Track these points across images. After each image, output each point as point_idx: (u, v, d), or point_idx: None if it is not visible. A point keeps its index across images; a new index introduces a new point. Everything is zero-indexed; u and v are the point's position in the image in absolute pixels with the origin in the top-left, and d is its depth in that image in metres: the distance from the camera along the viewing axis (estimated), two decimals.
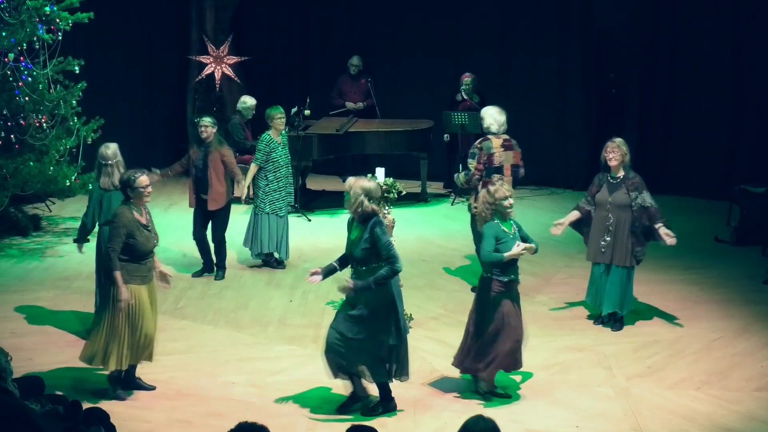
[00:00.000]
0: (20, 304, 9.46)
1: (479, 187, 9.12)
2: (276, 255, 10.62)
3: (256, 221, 10.38)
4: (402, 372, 7.10)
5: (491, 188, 7.40)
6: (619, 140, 8.66)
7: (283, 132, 10.69)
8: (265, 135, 10.53)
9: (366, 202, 6.89)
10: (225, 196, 10.03)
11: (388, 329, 6.98)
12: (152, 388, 7.53)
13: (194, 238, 10.22)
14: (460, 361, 7.48)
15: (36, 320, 9.06)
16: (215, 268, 10.25)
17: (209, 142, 9.93)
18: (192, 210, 10.22)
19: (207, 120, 10.04)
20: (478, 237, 9.06)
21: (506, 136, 9.50)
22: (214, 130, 9.99)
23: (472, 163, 9.43)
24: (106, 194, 8.38)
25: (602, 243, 8.60)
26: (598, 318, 8.92)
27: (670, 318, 9.09)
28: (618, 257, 8.57)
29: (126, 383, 7.48)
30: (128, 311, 7.22)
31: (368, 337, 6.95)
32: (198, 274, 10.23)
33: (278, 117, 10.54)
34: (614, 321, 8.80)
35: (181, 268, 10.44)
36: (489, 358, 7.28)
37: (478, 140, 9.56)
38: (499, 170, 9.33)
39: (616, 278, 8.62)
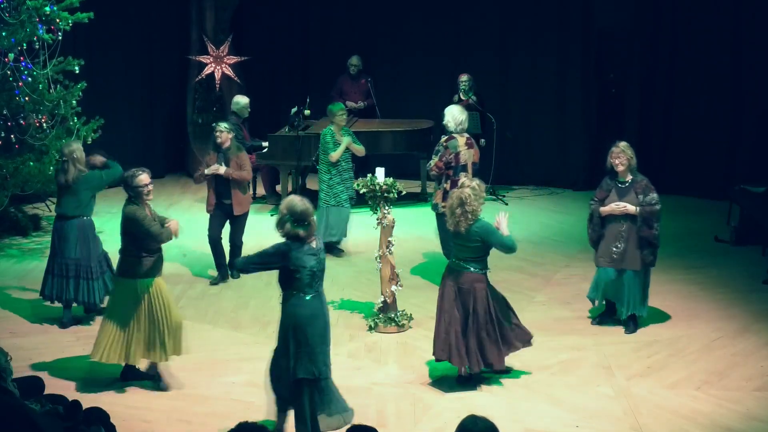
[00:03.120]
0: (20, 304, 9.47)
1: (446, 185, 9.48)
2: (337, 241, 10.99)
3: (323, 214, 10.63)
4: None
5: (474, 183, 7.57)
6: (623, 144, 8.58)
7: (345, 128, 11.00)
8: (327, 129, 10.86)
9: (288, 226, 6.42)
10: (249, 200, 10.25)
11: (286, 354, 6.52)
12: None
13: (210, 239, 10.12)
14: (483, 362, 7.59)
15: (36, 320, 9.06)
16: (229, 270, 10.21)
17: (227, 148, 9.94)
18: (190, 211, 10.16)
19: (222, 125, 10.06)
20: (447, 235, 9.34)
21: (467, 135, 9.76)
22: (230, 136, 9.99)
23: (434, 160, 9.64)
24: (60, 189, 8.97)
25: (614, 249, 8.51)
26: (601, 317, 8.89)
27: (670, 318, 9.08)
28: (631, 263, 8.49)
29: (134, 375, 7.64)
30: (161, 304, 7.40)
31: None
32: (215, 282, 10.12)
33: (340, 113, 10.88)
34: (631, 323, 8.69)
35: (181, 267, 10.45)
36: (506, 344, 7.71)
37: (444, 138, 9.72)
38: (464, 168, 9.60)
39: (634, 281, 8.53)
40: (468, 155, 9.66)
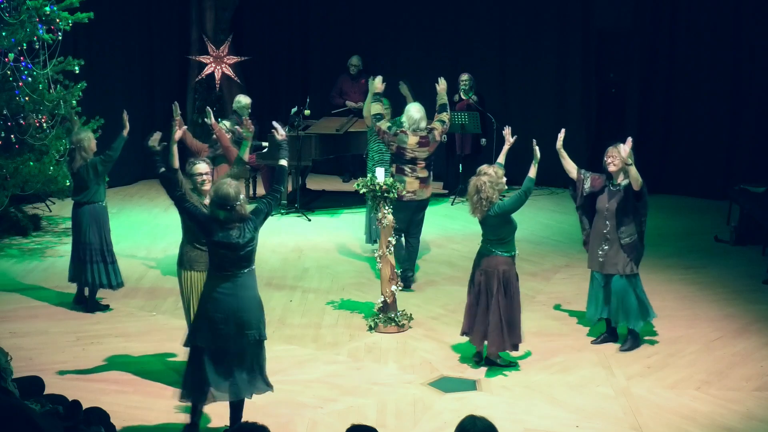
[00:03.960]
0: (20, 304, 9.47)
1: (393, 169, 9.71)
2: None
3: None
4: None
5: (490, 171, 7.84)
6: (621, 146, 8.20)
7: (396, 119, 10.94)
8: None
9: (211, 208, 6.45)
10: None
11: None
12: None
13: None
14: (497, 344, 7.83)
15: (36, 320, 9.06)
16: None
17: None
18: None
19: (222, 123, 9.84)
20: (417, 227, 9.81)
21: (423, 133, 9.75)
22: (228, 137, 9.55)
23: (384, 126, 9.77)
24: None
25: (599, 252, 8.21)
26: (599, 337, 8.48)
27: (670, 318, 9.08)
28: (617, 266, 8.15)
29: None
30: (190, 296, 7.43)
31: None
32: None
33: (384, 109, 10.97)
34: (630, 338, 8.29)
35: None
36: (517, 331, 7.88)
37: (401, 129, 9.79)
38: (412, 161, 9.70)
39: (621, 288, 8.15)
40: (420, 153, 9.71)
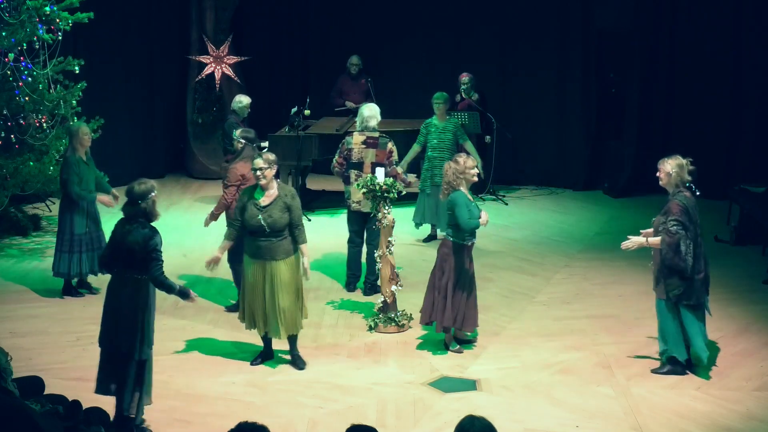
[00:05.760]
0: (20, 304, 9.47)
1: (352, 179, 9.44)
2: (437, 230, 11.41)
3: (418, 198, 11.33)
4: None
5: (460, 159, 8.17)
6: (672, 158, 7.68)
7: (449, 118, 11.30)
8: (430, 119, 11.30)
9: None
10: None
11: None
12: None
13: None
14: (438, 320, 8.25)
15: (36, 320, 9.06)
16: None
17: (238, 154, 9.22)
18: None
19: (237, 135, 9.32)
20: (374, 234, 9.26)
21: (374, 134, 9.62)
22: (240, 145, 9.18)
23: (336, 156, 9.74)
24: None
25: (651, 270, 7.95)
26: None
27: None
28: (656, 290, 7.85)
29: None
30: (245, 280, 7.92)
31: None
32: (233, 309, 9.30)
33: (436, 102, 11.17)
34: (668, 364, 7.86)
35: (182, 267, 10.43)
36: (468, 313, 8.26)
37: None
38: (358, 166, 9.50)
39: (662, 313, 7.80)
40: (365, 154, 9.51)
